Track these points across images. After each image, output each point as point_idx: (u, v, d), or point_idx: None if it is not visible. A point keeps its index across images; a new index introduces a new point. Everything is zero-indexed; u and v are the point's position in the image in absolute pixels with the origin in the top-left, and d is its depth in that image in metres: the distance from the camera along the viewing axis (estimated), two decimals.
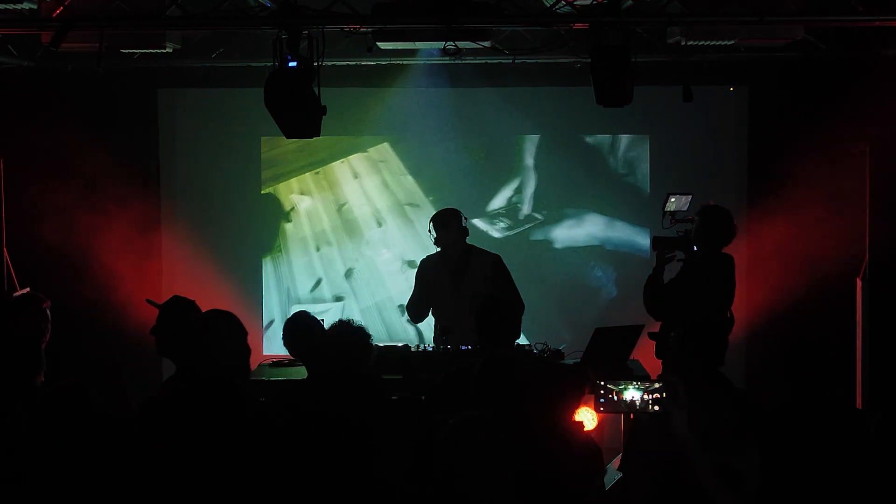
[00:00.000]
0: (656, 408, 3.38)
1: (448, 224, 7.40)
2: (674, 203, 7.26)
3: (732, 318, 7.11)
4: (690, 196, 7.27)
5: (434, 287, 7.47)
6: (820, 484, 4.18)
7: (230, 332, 4.65)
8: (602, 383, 3.42)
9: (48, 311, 6.39)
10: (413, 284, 7.70)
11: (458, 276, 7.36)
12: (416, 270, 7.75)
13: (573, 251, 9.99)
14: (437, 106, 9.69)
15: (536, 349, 7.38)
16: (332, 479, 4.79)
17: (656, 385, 3.40)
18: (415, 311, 7.63)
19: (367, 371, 5.35)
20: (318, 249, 10.13)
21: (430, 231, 7.44)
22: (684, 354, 4.86)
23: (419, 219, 9.83)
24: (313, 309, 8.83)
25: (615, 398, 3.40)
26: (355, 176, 10.08)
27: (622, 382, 3.41)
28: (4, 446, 4.51)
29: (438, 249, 7.50)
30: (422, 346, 7.33)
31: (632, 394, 3.41)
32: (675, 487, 3.45)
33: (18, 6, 6.65)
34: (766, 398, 5.65)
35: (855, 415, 4.48)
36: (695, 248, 7.08)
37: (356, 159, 10.07)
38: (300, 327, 5.91)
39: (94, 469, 4.22)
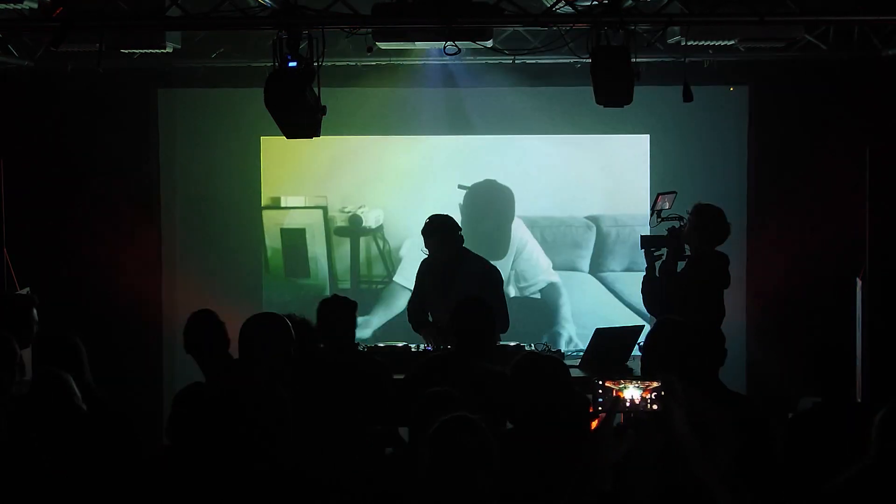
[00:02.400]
0: (655, 406, 3.37)
1: (433, 233, 7.37)
2: (662, 202, 7.32)
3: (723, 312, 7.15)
4: (674, 194, 7.31)
5: (427, 290, 7.49)
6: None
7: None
8: (600, 382, 3.41)
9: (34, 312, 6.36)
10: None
11: (447, 282, 7.31)
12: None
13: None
14: (437, 106, 9.69)
15: (537, 349, 7.39)
16: None
17: (655, 384, 3.39)
18: (412, 312, 7.66)
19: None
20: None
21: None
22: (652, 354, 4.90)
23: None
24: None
25: (614, 397, 3.39)
26: (353, 176, 10.09)
27: (621, 381, 3.40)
28: None
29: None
30: (422, 347, 7.34)
31: (631, 392, 3.41)
32: (676, 486, 3.44)
33: (18, 6, 6.65)
34: (767, 399, 5.67)
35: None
36: (685, 246, 7.13)
37: (356, 157, 10.07)
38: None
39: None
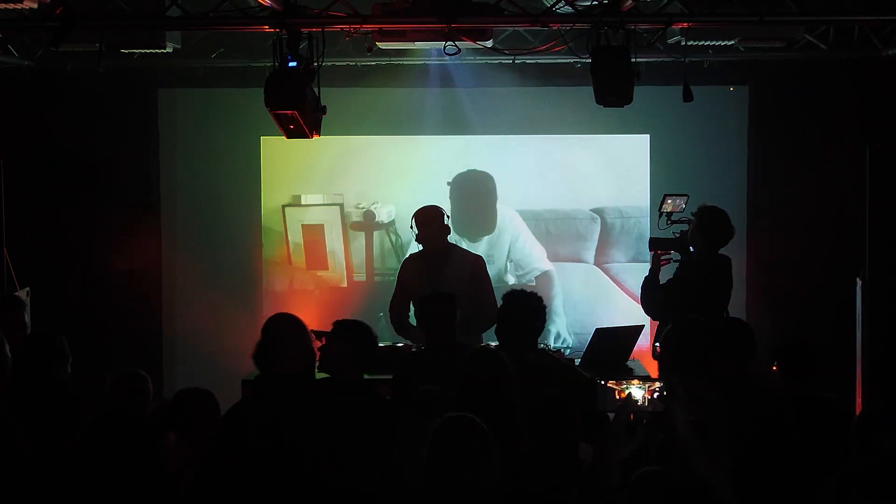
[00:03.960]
0: (657, 406, 3.39)
1: (429, 221, 7.40)
2: (670, 204, 7.31)
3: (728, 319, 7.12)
4: (686, 197, 7.31)
5: (413, 286, 7.42)
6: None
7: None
8: (602, 383, 3.42)
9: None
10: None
11: (435, 275, 7.30)
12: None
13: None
14: (437, 106, 9.70)
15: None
16: None
17: (657, 384, 3.41)
18: (395, 311, 7.57)
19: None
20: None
21: (411, 227, 7.46)
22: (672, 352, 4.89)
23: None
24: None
25: (616, 397, 3.40)
26: (354, 175, 10.10)
27: (623, 382, 3.41)
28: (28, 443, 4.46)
29: (420, 249, 7.54)
30: (413, 347, 7.30)
31: (632, 392, 3.42)
32: (679, 486, 3.45)
33: (18, 6, 6.64)
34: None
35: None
36: (691, 249, 7.11)
37: (355, 157, 10.08)
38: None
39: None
